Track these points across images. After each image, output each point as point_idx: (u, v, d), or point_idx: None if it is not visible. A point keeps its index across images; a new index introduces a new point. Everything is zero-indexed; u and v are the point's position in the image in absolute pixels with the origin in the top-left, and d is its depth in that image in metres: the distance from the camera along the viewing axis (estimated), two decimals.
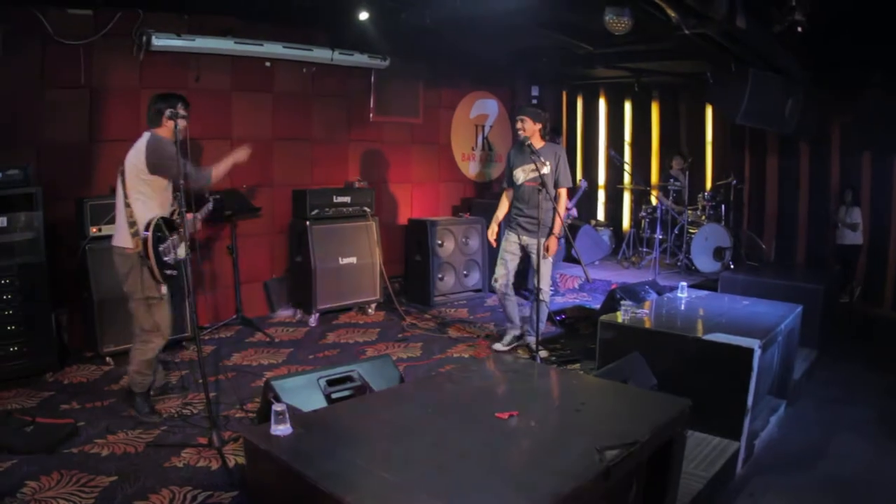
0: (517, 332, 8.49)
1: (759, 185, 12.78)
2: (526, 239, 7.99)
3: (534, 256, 7.83)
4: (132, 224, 6.00)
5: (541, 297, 7.89)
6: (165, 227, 6.13)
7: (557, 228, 7.96)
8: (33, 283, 7.09)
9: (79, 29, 8.04)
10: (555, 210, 7.83)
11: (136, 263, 6.04)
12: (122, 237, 6.14)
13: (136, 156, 6.07)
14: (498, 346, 8.42)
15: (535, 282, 7.82)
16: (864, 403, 6.85)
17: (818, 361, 7.81)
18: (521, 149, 7.93)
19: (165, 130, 6.24)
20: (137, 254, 6.00)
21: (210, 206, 7.12)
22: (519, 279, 8.61)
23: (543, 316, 8.07)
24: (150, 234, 5.95)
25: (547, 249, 7.88)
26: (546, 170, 7.76)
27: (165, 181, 6.17)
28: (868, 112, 10.37)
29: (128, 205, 6.05)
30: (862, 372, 7.81)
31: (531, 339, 8.10)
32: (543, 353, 7.94)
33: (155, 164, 6.00)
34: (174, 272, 6.24)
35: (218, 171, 6.52)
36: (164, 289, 6.19)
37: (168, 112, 6.21)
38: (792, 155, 12.15)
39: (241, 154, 6.74)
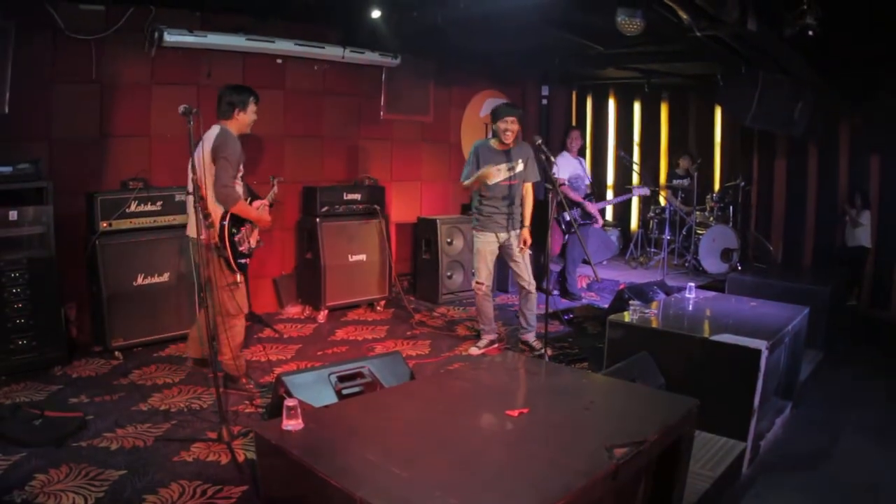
0: (493, 336, 8.47)
1: (767, 186, 12.77)
2: (503, 236, 8.01)
3: (514, 251, 8.01)
4: (206, 216, 6.10)
5: (529, 288, 8.09)
6: (237, 219, 6.46)
7: (528, 221, 8.07)
8: (42, 277, 7.10)
9: (90, 24, 8.06)
10: (523, 205, 8.08)
11: (212, 254, 6.20)
12: (191, 227, 6.39)
13: (208, 146, 6.28)
14: (474, 350, 8.35)
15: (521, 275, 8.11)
16: (869, 406, 6.87)
17: (824, 363, 7.82)
18: (489, 146, 8.00)
19: (235, 124, 6.55)
20: (214, 244, 6.18)
21: (275, 189, 7.19)
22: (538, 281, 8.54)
23: (535, 307, 8.23)
24: (226, 224, 6.23)
25: (525, 242, 8.01)
26: (520, 167, 7.94)
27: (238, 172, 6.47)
28: (877, 114, 10.37)
29: (201, 197, 6.13)
30: (867, 374, 7.81)
31: (530, 336, 8.26)
32: (535, 344, 8.20)
33: (216, 154, 6.18)
34: (247, 261, 6.62)
35: (243, 207, 6.50)
36: (238, 277, 6.52)
37: (239, 105, 6.56)
38: (800, 157, 12.13)
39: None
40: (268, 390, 6.48)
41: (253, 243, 6.72)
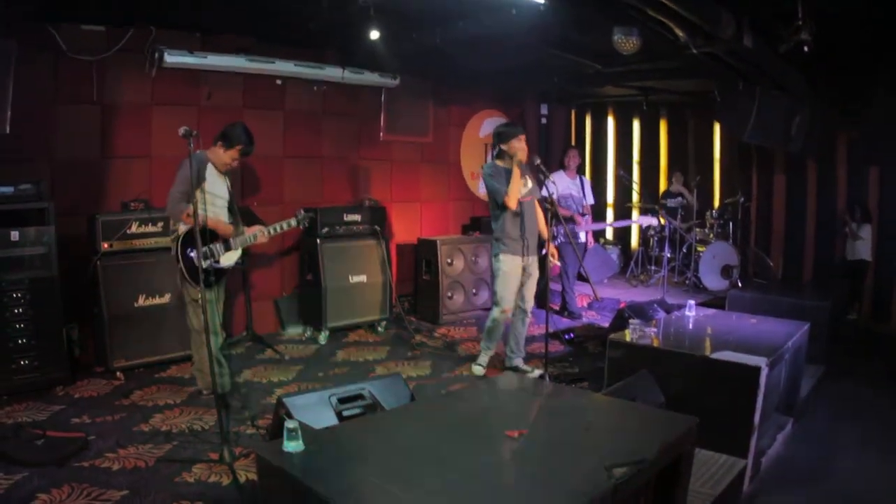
0: (492, 353, 8.34)
1: (766, 202, 12.80)
2: (528, 259, 7.87)
3: (532, 270, 7.92)
4: (173, 232, 6.40)
5: (528, 309, 8.06)
6: (205, 236, 6.38)
7: (548, 234, 8.02)
8: (44, 297, 7.13)
9: (91, 45, 8.12)
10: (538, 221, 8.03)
11: (177, 269, 6.36)
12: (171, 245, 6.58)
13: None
14: (478, 369, 8.27)
15: (526, 295, 8.00)
16: (871, 420, 6.86)
17: (825, 378, 7.81)
18: (499, 167, 7.85)
19: (213, 154, 6.71)
20: (175, 258, 6.33)
21: (292, 222, 7.32)
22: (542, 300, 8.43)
23: (526, 330, 8.23)
24: (180, 240, 6.28)
25: (554, 255, 8.02)
26: (530, 183, 7.91)
27: (206, 196, 6.51)
28: (875, 127, 10.38)
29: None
30: (869, 389, 7.81)
31: (520, 362, 8.20)
32: (526, 368, 8.16)
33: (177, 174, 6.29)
34: (212, 278, 6.60)
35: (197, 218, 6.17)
36: (198, 294, 6.29)
37: (223, 141, 6.69)
38: (799, 172, 12.18)
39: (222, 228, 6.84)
40: (268, 411, 6.49)
41: (223, 262, 6.72)
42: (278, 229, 7.12)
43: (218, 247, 6.65)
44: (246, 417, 6.58)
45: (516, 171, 7.66)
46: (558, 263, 8.10)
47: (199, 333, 6.41)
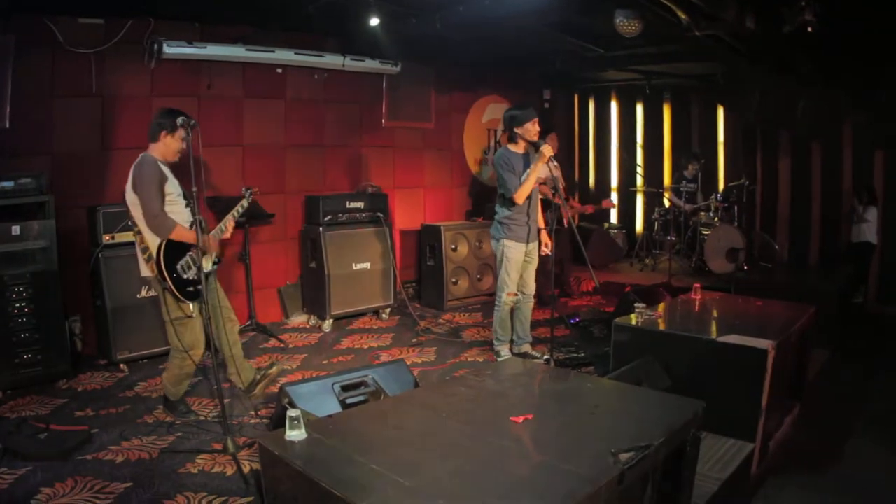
0: (508, 343, 8.20)
1: (771, 185, 12.75)
2: (531, 245, 7.82)
3: (533, 256, 7.88)
4: (144, 250, 5.90)
5: (531, 294, 8.00)
6: (180, 248, 5.98)
7: (544, 223, 8.09)
8: (46, 290, 7.11)
9: (90, 37, 8.08)
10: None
11: (158, 288, 5.99)
12: (141, 266, 6.04)
13: (129, 180, 5.91)
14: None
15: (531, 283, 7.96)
16: (878, 403, 6.83)
17: (832, 362, 7.78)
18: (512, 152, 7.68)
19: (160, 148, 6.01)
20: (156, 278, 5.90)
21: (245, 203, 6.67)
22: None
23: (531, 315, 8.14)
24: (162, 255, 5.83)
25: (547, 245, 7.99)
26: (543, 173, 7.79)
27: (170, 197, 5.97)
28: (881, 110, 10.33)
29: (137, 232, 5.93)
30: (875, 371, 7.76)
31: (528, 347, 8.16)
32: (534, 353, 8.11)
33: (134, 186, 5.83)
34: (198, 287, 5.96)
35: (181, 232, 5.95)
36: (190, 307, 6.05)
37: (167, 128, 5.98)
38: (804, 155, 12.12)
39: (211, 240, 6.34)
40: (271, 401, 6.47)
41: (207, 266, 6.18)
42: (237, 214, 6.56)
43: (197, 252, 5.98)
44: (249, 407, 6.57)
45: (536, 169, 7.48)
46: (549, 253, 7.96)
47: (181, 352, 6.14)
